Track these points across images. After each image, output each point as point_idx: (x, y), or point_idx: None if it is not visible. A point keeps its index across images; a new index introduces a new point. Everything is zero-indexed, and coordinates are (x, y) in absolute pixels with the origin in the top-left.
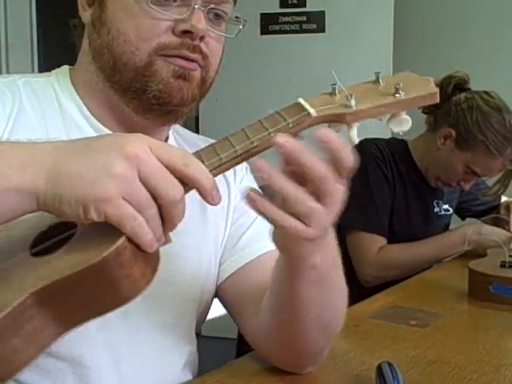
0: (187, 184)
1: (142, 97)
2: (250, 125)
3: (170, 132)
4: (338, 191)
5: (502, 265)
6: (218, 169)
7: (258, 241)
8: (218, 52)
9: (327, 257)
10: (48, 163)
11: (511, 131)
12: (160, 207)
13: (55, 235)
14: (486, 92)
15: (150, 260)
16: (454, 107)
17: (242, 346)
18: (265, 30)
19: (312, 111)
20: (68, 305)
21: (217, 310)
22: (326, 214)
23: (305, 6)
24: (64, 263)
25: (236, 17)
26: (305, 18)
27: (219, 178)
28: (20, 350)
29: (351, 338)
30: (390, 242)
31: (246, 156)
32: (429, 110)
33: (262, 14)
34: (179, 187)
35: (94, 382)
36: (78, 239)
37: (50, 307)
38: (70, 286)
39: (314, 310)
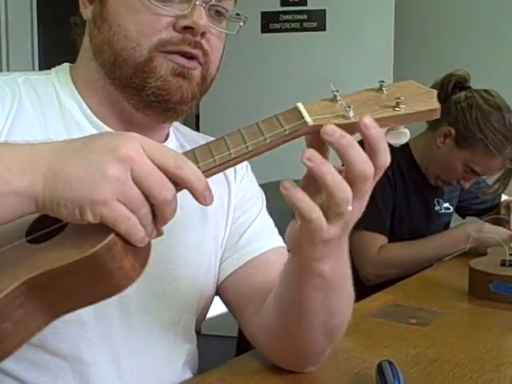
0: (179, 184)
1: (141, 93)
2: (248, 127)
3: (171, 129)
4: (368, 194)
5: (503, 263)
6: (211, 170)
7: (259, 239)
8: (219, 49)
9: (337, 268)
10: (45, 166)
11: (511, 130)
12: (152, 206)
13: (50, 222)
14: (485, 90)
15: (140, 253)
16: (454, 106)
17: (243, 345)
18: (265, 29)
19: (309, 120)
20: (59, 293)
21: (217, 308)
22: (351, 215)
23: (306, 4)
24: (57, 253)
25: (237, 14)
26: (305, 17)
27: (219, 177)
28: (10, 335)
29: (352, 337)
30: (391, 240)
31: (240, 160)
32: None
33: (262, 13)
34: (171, 187)
35: (95, 380)
36: (71, 229)
37: (41, 295)
38: (62, 275)
39: (320, 315)
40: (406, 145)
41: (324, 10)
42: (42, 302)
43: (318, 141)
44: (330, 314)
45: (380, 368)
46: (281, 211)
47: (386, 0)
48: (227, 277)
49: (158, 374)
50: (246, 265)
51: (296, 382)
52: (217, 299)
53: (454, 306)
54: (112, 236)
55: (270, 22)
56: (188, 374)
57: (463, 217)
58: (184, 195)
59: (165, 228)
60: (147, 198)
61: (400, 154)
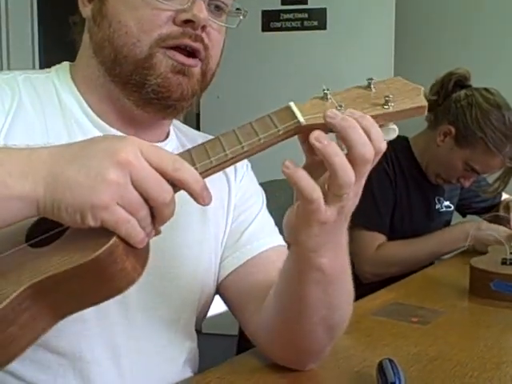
0: (177, 186)
1: (141, 90)
2: (242, 127)
3: (171, 128)
4: (365, 177)
5: (503, 262)
6: (208, 171)
7: (259, 238)
8: (220, 43)
9: (336, 262)
10: (45, 170)
11: (511, 129)
12: (151, 208)
13: (49, 225)
14: (486, 89)
15: (140, 254)
16: (454, 104)
17: (243, 343)
18: (266, 27)
19: (302, 120)
20: (63, 296)
21: (217, 307)
22: (347, 198)
23: (306, 3)
24: (60, 258)
25: (237, 9)
26: (306, 15)
27: (219, 176)
28: (17, 338)
29: (352, 335)
30: (392, 238)
31: (236, 160)
32: (429, 107)
33: (263, 11)
34: (169, 190)
35: (95, 377)
36: (72, 232)
37: (46, 298)
38: (66, 279)
39: (321, 311)
40: (407, 143)
41: (325, 9)
42: (47, 305)
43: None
44: (331, 309)
45: (381, 366)
46: (281, 210)
47: None
48: (227, 275)
49: (159, 371)
50: (247, 263)
51: (296, 380)
52: (217, 298)
53: (454, 305)
54: (114, 239)
55: (270, 20)
56: (188, 373)
57: (464, 215)
58: (185, 195)
59: (165, 227)
60: (146, 200)
61: (401, 152)
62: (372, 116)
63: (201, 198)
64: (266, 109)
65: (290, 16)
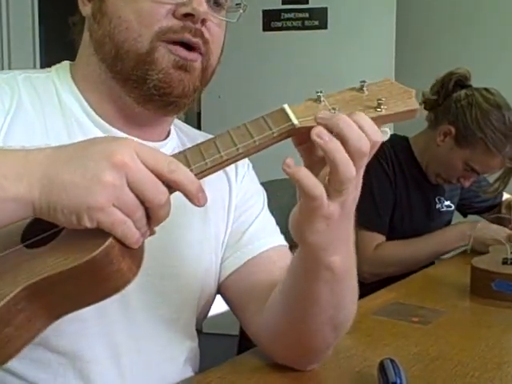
0: (172, 187)
1: (142, 86)
2: (237, 128)
3: (172, 127)
4: (363, 169)
5: (504, 262)
6: (203, 173)
7: (260, 238)
8: (220, 37)
9: (345, 260)
10: (41, 172)
11: (511, 129)
12: (147, 209)
13: (45, 225)
14: (486, 89)
15: (136, 254)
16: (454, 104)
17: (244, 343)
18: (267, 27)
19: (296, 122)
20: (59, 297)
21: (218, 306)
22: (347, 192)
23: (307, 2)
24: (56, 258)
25: (236, 4)
26: (307, 15)
27: (220, 176)
28: (12, 339)
29: (353, 335)
30: (392, 238)
31: (230, 162)
32: (430, 107)
33: (264, 11)
34: (164, 191)
35: (95, 377)
36: (68, 233)
37: (42, 299)
38: (62, 280)
39: (328, 310)
40: (407, 143)
41: (325, 9)
42: (43, 306)
43: (304, 140)
44: (337, 308)
45: (382, 366)
46: (282, 209)
47: None
48: (228, 275)
49: (159, 370)
50: (248, 263)
51: (297, 380)
52: (218, 298)
53: (455, 305)
54: (110, 240)
55: (271, 20)
56: (189, 372)
57: (464, 215)
58: None
59: (165, 226)
60: (142, 201)
61: (401, 151)
62: None
63: (196, 199)
64: (266, 108)
65: (291, 15)
